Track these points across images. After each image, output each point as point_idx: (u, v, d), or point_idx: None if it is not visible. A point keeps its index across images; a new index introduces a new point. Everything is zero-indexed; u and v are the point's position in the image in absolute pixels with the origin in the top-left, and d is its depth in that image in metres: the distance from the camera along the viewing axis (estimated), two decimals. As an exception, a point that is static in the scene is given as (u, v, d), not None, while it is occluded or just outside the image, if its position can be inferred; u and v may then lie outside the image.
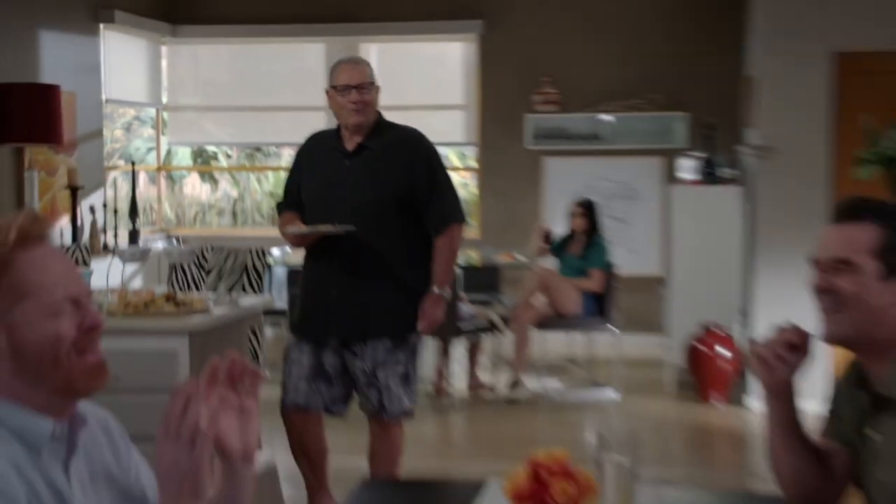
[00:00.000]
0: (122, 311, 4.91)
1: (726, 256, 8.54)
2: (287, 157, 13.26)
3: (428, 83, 10.81)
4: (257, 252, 7.87)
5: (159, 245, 9.66)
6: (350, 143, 4.70)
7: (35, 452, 1.84)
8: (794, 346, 2.54)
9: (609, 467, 2.38)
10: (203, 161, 13.20)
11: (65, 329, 1.87)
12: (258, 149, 12.69)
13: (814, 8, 7.77)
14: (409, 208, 4.71)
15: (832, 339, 2.54)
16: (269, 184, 13.27)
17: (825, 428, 2.70)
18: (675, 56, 10.14)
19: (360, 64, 4.82)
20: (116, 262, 5.13)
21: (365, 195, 4.63)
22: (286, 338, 4.96)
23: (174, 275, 7.46)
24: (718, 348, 8.05)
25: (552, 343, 9.00)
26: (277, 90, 10.86)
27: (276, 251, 9.08)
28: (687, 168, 8.91)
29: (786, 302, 7.76)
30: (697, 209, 8.64)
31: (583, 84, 10.28)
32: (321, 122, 10.76)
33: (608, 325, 8.41)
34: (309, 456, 4.82)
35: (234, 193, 13.32)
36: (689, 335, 8.20)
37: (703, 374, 8.12)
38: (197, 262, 7.51)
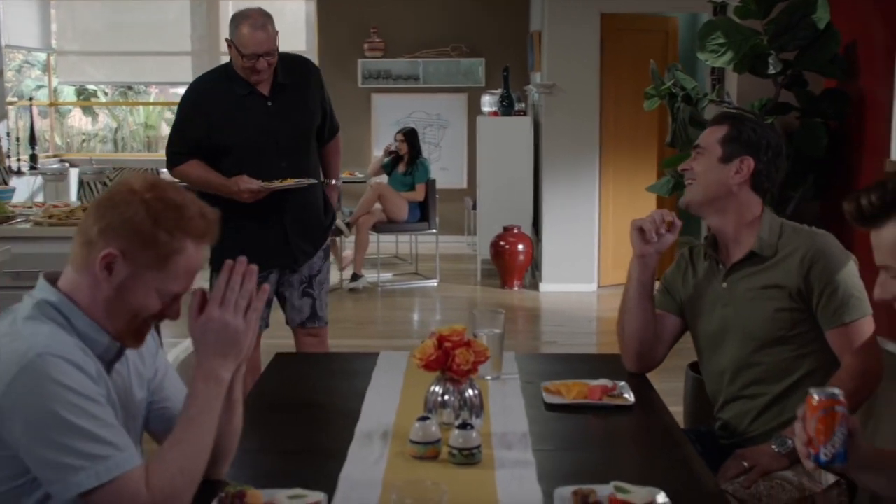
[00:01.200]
0: (47, 221, 4.92)
1: (520, 172, 8.71)
2: (155, 94, 13.13)
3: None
4: (151, 171, 8.21)
5: (56, 167, 9.57)
6: (265, 87, 3.99)
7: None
8: (668, 224, 2.68)
9: (484, 337, 2.61)
10: (85, 98, 12.98)
11: (154, 308, 1.83)
12: (130, 87, 12.55)
13: None
14: (317, 129, 4.20)
15: (686, 205, 2.69)
16: (142, 116, 13.18)
17: (658, 300, 2.82)
18: (477, 13, 10.24)
19: (266, 27, 3.91)
20: (38, 181, 5.03)
21: (294, 131, 4.06)
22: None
23: (82, 191, 7.56)
24: (515, 244, 8.29)
25: (385, 243, 9.09)
26: (146, 38, 10.73)
27: (163, 171, 9.11)
28: (487, 103, 9.07)
29: (566, 208, 8.32)
30: (496, 135, 8.74)
31: (403, 34, 10.32)
32: (186, 64, 10.79)
33: (429, 228, 8.57)
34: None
35: (114, 125, 13.16)
36: (493, 235, 8.40)
37: (503, 266, 8.35)
38: (104, 180, 7.63)
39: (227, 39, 3.95)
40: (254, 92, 3.97)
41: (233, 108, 3.98)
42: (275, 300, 4.22)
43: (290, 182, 3.98)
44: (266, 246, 4.01)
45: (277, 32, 3.97)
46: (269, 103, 4.00)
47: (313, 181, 4.08)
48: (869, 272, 4.02)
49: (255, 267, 1.89)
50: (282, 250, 4.08)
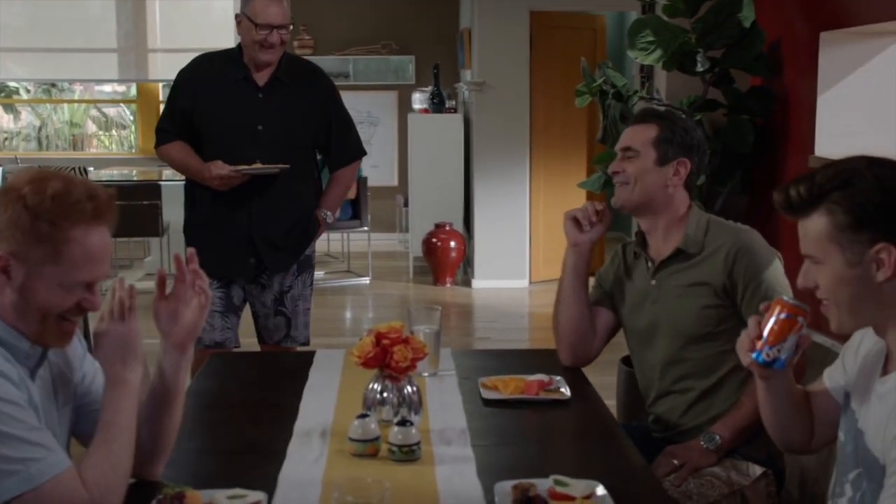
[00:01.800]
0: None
1: (451, 169, 8.70)
2: (79, 92, 12.89)
3: (202, 30, 10.67)
4: (80, 170, 8.10)
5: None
6: (261, 77, 3.76)
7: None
8: (599, 215, 2.73)
9: (421, 334, 2.62)
10: (6, 95, 12.70)
11: (65, 303, 1.79)
12: (54, 85, 12.32)
13: None
14: (313, 141, 3.91)
15: (621, 207, 2.68)
16: (66, 114, 12.92)
17: (593, 296, 2.84)
18: (407, 10, 10.21)
19: (282, 0, 3.72)
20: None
21: (279, 130, 3.78)
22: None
23: (5, 188, 7.46)
24: (447, 241, 8.30)
25: (317, 241, 9.00)
26: (70, 34, 10.54)
27: (91, 169, 8.99)
28: (418, 100, 9.03)
29: (497, 204, 8.36)
30: (427, 132, 8.71)
31: (333, 32, 10.24)
32: (112, 61, 10.64)
33: (361, 226, 8.52)
34: None
35: (37, 123, 12.89)
36: (425, 232, 8.40)
37: (436, 262, 8.36)
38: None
39: (237, 15, 3.75)
40: (248, 78, 3.76)
41: (220, 89, 3.79)
42: (246, 314, 3.96)
43: (258, 166, 3.73)
44: (229, 253, 3.80)
45: (290, 15, 3.79)
46: (260, 95, 3.78)
47: (285, 167, 3.75)
48: (795, 265, 4.11)
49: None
50: (245, 260, 3.81)
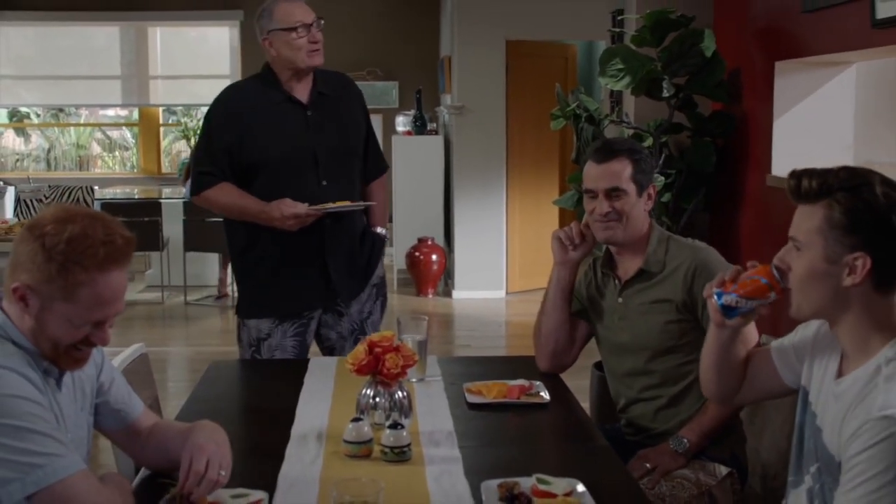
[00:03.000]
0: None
1: (432, 187, 8.69)
2: (85, 116, 12.85)
3: (201, 58, 10.68)
4: (86, 189, 8.10)
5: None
6: (302, 93, 3.24)
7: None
8: (583, 236, 2.69)
9: (410, 342, 2.62)
10: (18, 119, 12.70)
11: (74, 337, 1.78)
12: (61, 109, 12.32)
13: (492, 5, 7.98)
14: (360, 154, 3.41)
15: (610, 241, 2.65)
16: (73, 136, 12.95)
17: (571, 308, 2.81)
18: (391, 39, 10.18)
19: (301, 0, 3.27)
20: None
21: (335, 147, 3.27)
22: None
23: (19, 208, 7.42)
24: (429, 255, 8.31)
25: None
26: (77, 63, 10.57)
27: (95, 187, 8.99)
28: (401, 123, 9.04)
29: (476, 220, 8.36)
30: (410, 153, 8.70)
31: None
32: (116, 87, 10.64)
33: None
34: None
35: (46, 145, 12.89)
36: (408, 246, 8.40)
37: (418, 275, 8.36)
38: (40, 198, 7.49)
39: (263, 39, 3.22)
40: (291, 99, 3.23)
41: (266, 116, 3.22)
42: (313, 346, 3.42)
43: (345, 203, 3.19)
44: (303, 285, 3.27)
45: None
46: (309, 112, 3.24)
47: (371, 203, 3.33)
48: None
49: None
50: (320, 290, 3.26)
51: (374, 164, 3.49)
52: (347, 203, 3.20)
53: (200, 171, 3.26)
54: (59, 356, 1.80)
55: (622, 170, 2.59)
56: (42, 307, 1.75)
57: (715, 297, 1.88)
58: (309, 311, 3.31)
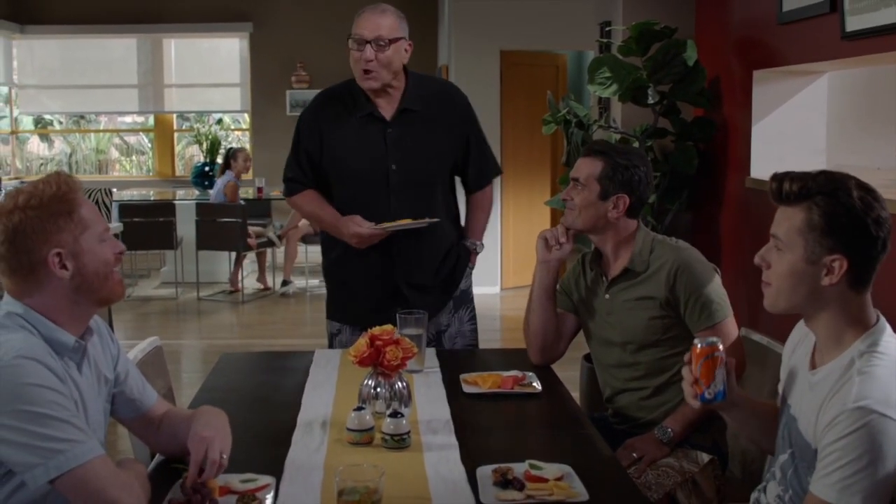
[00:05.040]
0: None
1: None
2: (104, 122, 12.88)
3: (213, 68, 10.70)
4: (104, 191, 8.10)
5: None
6: (387, 109, 3.02)
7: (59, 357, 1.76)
8: (566, 236, 2.70)
9: (410, 335, 2.52)
10: (42, 126, 12.74)
11: (109, 253, 1.84)
12: (83, 116, 12.35)
13: (487, 17, 8.01)
14: (451, 170, 3.20)
15: (569, 227, 2.68)
16: (93, 142, 13.00)
17: (558, 301, 2.81)
18: None
19: (386, 13, 2.96)
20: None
21: (414, 167, 3.03)
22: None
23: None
24: None
25: (312, 253, 8.76)
26: (97, 73, 10.61)
27: (114, 190, 8.99)
28: None
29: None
30: None
31: (327, 68, 9.94)
32: (133, 95, 10.67)
33: None
34: None
35: (68, 150, 12.94)
36: None
37: None
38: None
39: (348, 38, 2.99)
40: (373, 114, 3.01)
41: (345, 129, 3.03)
42: None
43: (405, 222, 2.98)
44: (377, 302, 3.07)
45: (401, 21, 2.99)
46: (389, 129, 3.02)
47: (435, 220, 3.03)
48: (733, 274, 4.12)
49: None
50: (394, 308, 2.82)
51: (477, 174, 3.24)
52: (409, 221, 2.99)
53: (287, 176, 3.17)
54: (113, 287, 1.85)
55: (591, 166, 2.62)
56: (76, 253, 1.78)
57: (701, 402, 1.85)
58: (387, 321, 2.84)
